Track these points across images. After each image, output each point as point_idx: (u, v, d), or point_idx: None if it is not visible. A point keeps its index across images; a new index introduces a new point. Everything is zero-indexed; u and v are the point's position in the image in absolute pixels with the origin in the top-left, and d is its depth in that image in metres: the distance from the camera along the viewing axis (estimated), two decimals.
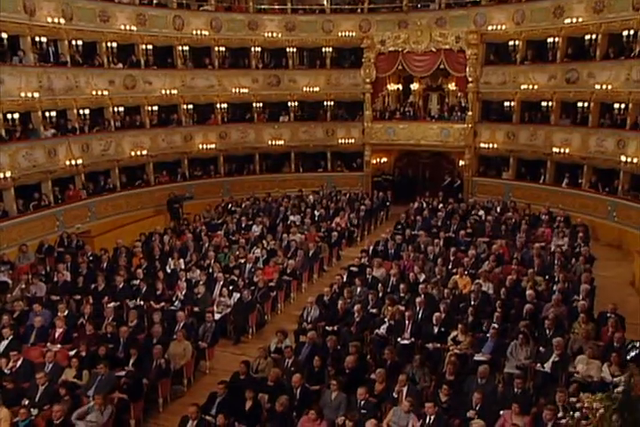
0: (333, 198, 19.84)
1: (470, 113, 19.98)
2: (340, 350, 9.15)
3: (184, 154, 20.69)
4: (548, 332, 9.52)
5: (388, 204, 20.27)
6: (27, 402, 8.01)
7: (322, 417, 7.29)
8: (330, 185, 21.52)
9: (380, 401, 7.85)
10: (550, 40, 17.66)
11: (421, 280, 11.97)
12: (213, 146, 20.93)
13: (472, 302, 10.71)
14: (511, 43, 18.68)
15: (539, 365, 8.78)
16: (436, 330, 9.90)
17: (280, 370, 8.47)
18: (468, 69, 19.59)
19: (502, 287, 11.34)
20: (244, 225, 17.24)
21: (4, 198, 15.10)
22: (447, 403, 7.68)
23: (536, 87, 18.30)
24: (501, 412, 7.39)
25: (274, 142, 21.77)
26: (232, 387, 8.06)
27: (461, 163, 20.97)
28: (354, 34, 21.01)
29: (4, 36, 14.38)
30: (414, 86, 22.12)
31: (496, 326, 9.59)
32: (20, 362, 9.11)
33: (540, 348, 9.15)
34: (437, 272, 12.34)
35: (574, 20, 16.96)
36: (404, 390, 7.88)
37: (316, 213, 18.32)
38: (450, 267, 12.99)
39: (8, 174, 14.49)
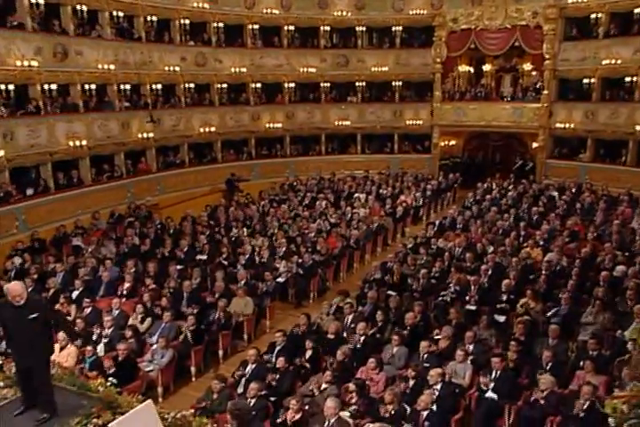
0: (399, 178, 19.52)
1: (546, 92, 19.10)
2: (402, 311, 8.89)
3: (251, 133, 20.88)
4: (629, 303, 8.89)
5: (455, 185, 19.73)
6: (94, 340, 8.20)
7: (381, 367, 7.08)
8: (396, 167, 21.17)
9: (443, 358, 7.53)
10: (638, 11, 16.58)
11: (489, 251, 11.51)
12: (280, 125, 21.02)
13: (544, 272, 10.18)
14: (593, 16, 17.71)
15: (619, 332, 8.20)
16: (505, 297, 9.45)
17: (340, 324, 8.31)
18: (544, 46, 18.71)
19: (577, 260, 10.72)
20: (308, 201, 17.20)
21: (80, 167, 15.66)
22: (515, 362, 7.28)
23: (619, 62, 17.25)
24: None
25: (340, 123, 21.62)
26: (292, 336, 7.97)
27: (534, 145, 20.13)
28: (425, 12, 20.54)
29: (85, 8, 14.87)
30: (486, 67, 21.41)
31: (570, 294, 9.05)
32: (89, 309, 9.40)
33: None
34: (507, 244, 11.82)
35: None
36: (471, 347, 7.55)
37: (382, 191, 18.07)
38: (520, 241, 12.44)
39: (84, 143, 15.01)
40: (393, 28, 21.09)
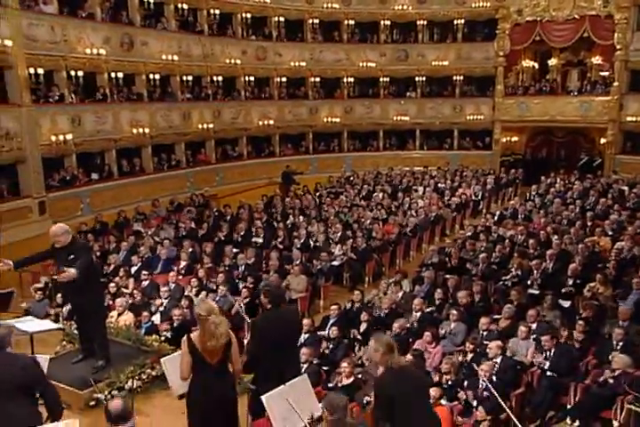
0: (458, 173, 19.10)
1: (616, 84, 18.29)
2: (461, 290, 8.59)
3: (309, 127, 20.95)
4: None
5: (517, 181, 19.10)
6: (152, 309, 8.31)
7: (437, 341, 6.83)
8: (455, 163, 20.70)
9: (504, 336, 7.18)
10: None
11: (554, 239, 11.00)
12: (338, 120, 21.01)
13: (613, 258, 9.64)
14: None
15: None
16: (570, 282, 8.98)
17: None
18: (616, 36, 17.96)
19: None
20: (364, 193, 17.03)
21: (142, 155, 16.07)
22: (582, 342, 6.88)
23: None
24: None
25: (399, 118, 21.39)
26: (346, 310, 7.82)
27: (602, 140, 19.29)
28: (488, 4, 20.09)
29: (151, 0, 15.31)
30: (552, 62, 20.71)
31: None
32: (147, 282, 9.55)
33: None
34: (573, 233, 11.27)
35: None
36: (533, 326, 7.18)
37: (440, 185, 17.70)
38: (587, 231, 11.86)
39: (147, 131, 15.40)
40: (455, 22, 20.75)
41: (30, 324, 5.18)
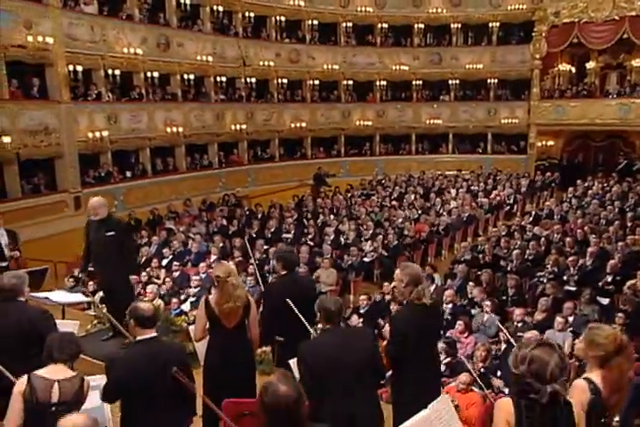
0: (492, 176, 18.81)
1: None
2: (494, 286, 8.40)
3: (341, 130, 20.93)
4: None
5: (553, 185, 18.71)
6: (182, 297, 8.33)
7: (470, 331, 6.66)
8: (489, 168, 20.42)
9: (539, 329, 6.96)
10: None
11: (592, 238, 10.69)
12: (370, 123, 20.95)
13: None
14: None
15: None
16: (609, 278, 8.70)
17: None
18: None
19: None
20: (396, 195, 16.90)
21: (176, 154, 16.26)
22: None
23: None
24: None
25: (432, 122, 21.23)
26: (376, 302, 7.70)
27: None
28: (524, 6, 19.87)
29: (188, 2, 15.57)
30: (590, 65, 20.33)
31: None
32: (177, 273, 9.60)
33: None
34: (612, 232, 10.94)
35: None
36: (570, 319, 6.94)
37: (473, 188, 17.45)
38: (626, 232, 11.49)
39: (180, 130, 15.59)
40: (490, 25, 20.56)
41: (62, 295, 5.24)
